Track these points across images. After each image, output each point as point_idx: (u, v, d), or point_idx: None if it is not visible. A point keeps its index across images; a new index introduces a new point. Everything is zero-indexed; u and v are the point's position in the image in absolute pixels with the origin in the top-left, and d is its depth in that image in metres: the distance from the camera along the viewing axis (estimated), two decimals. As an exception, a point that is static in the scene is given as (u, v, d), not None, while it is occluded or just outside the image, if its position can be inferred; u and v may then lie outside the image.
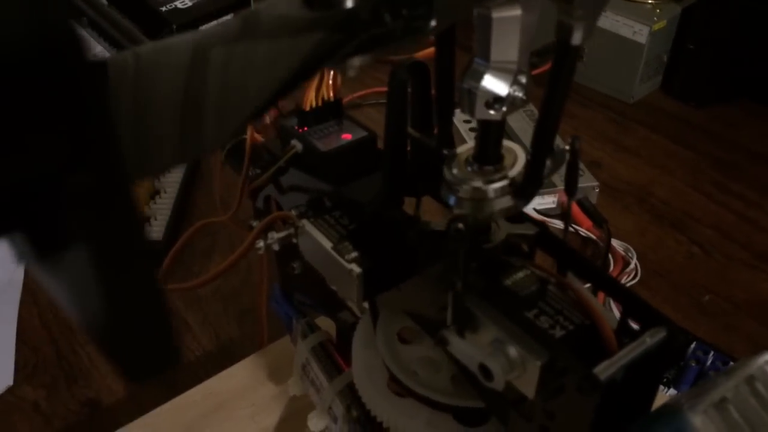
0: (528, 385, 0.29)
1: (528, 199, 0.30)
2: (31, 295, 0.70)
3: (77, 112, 0.15)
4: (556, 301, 0.31)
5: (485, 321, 0.30)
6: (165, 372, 0.19)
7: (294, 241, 0.39)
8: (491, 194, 0.30)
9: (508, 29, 0.25)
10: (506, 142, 0.31)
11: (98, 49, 0.92)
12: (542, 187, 0.30)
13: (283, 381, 0.54)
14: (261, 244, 0.40)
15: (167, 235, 0.75)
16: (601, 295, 0.34)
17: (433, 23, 0.21)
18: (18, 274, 0.72)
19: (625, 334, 0.30)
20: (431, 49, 0.31)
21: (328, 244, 0.36)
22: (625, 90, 0.97)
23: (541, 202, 0.76)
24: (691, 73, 0.97)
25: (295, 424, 0.54)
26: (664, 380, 0.59)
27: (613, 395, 0.28)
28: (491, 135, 0.30)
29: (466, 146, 0.32)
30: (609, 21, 0.93)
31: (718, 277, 0.72)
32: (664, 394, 0.58)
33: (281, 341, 0.59)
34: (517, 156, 0.30)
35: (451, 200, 0.31)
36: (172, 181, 0.82)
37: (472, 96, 0.27)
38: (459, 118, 0.80)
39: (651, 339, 0.28)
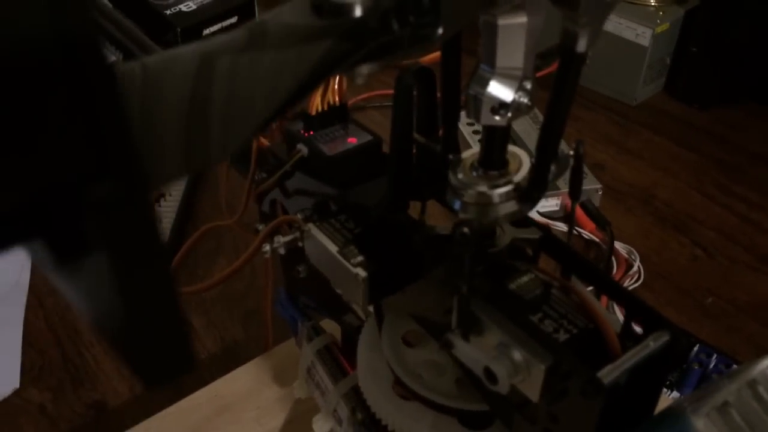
0: (532, 388, 0.29)
1: (533, 204, 0.31)
2: (37, 298, 0.70)
3: (97, 118, 0.15)
4: (560, 305, 0.31)
5: (490, 325, 0.30)
6: (179, 377, 0.20)
7: (300, 244, 0.40)
8: (496, 199, 0.30)
9: (514, 36, 0.26)
10: (511, 147, 0.31)
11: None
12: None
13: (288, 384, 0.54)
14: (267, 248, 0.40)
15: (172, 238, 0.75)
16: (604, 298, 0.34)
17: (440, 31, 0.22)
18: (24, 276, 0.72)
19: (628, 338, 0.30)
20: (437, 54, 0.31)
21: (333, 248, 0.36)
22: (628, 92, 0.98)
23: (544, 205, 0.76)
24: (695, 76, 0.97)
25: (300, 426, 0.54)
26: (667, 383, 0.60)
27: (617, 398, 0.28)
28: (496, 140, 0.30)
29: (471, 151, 0.32)
30: (612, 23, 0.94)
31: (721, 279, 0.72)
32: (667, 397, 0.58)
33: (286, 344, 0.59)
34: (522, 161, 0.31)
35: (456, 205, 0.31)
36: (177, 184, 0.82)
37: (478, 102, 0.27)
38: (463, 121, 0.80)
39: (654, 343, 0.28)
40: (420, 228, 0.36)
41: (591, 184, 0.79)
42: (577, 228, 0.74)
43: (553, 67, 0.27)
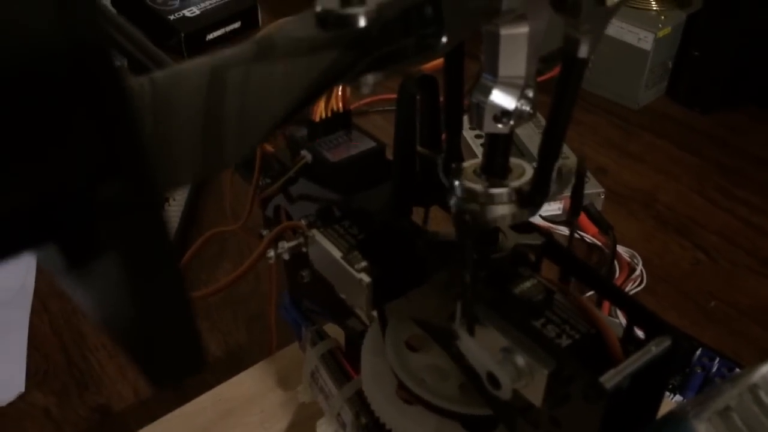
0: (535, 393, 0.30)
1: (535, 208, 0.31)
2: (41, 302, 0.71)
3: (106, 118, 0.15)
4: (562, 310, 0.32)
5: (493, 330, 0.31)
6: (189, 377, 0.20)
7: (304, 250, 0.40)
8: (494, 198, 0.30)
9: (516, 45, 0.26)
10: (515, 160, 0.31)
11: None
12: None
13: (292, 388, 0.55)
14: (272, 253, 0.40)
15: (176, 243, 0.75)
16: (606, 304, 0.34)
17: (444, 40, 0.22)
18: (29, 280, 0.72)
19: (630, 343, 0.30)
20: (440, 61, 0.32)
21: (337, 254, 0.37)
22: (630, 96, 0.98)
23: (547, 209, 0.76)
24: (696, 80, 0.97)
25: (304, 430, 0.55)
26: (670, 387, 0.60)
27: (619, 403, 0.28)
28: (499, 147, 0.30)
29: (474, 160, 0.32)
30: (614, 28, 0.94)
31: (724, 283, 0.72)
32: (670, 401, 0.59)
33: (290, 348, 0.60)
34: (525, 170, 0.31)
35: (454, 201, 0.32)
36: (181, 189, 0.82)
37: (481, 110, 0.27)
38: (466, 127, 0.81)
39: (656, 348, 0.29)
40: (423, 233, 0.36)
41: (593, 188, 0.79)
42: (579, 232, 0.75)
43: (555, 71, 0.27)
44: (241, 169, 0.49)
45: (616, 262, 0.73)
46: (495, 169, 0.31)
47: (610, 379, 0.27)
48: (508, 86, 0.27)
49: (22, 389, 0.62)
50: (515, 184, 0.30)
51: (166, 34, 1.04)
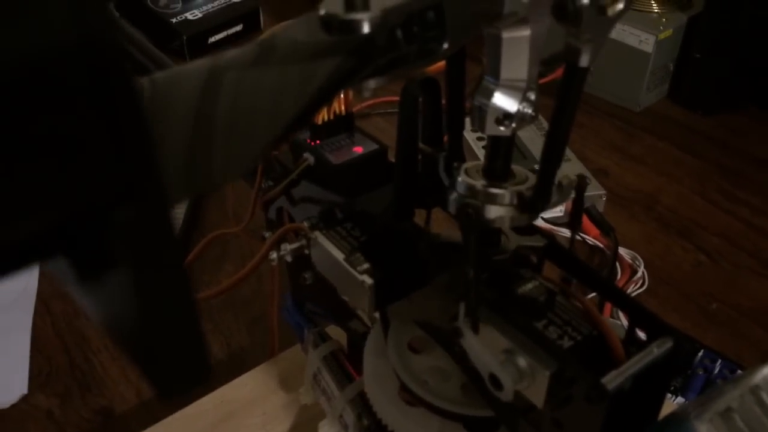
0: (537, 394, 0.30)
1: (536, 212, 0.31)
2: (44, 304, 0.71)
3: (123, 140, 0.15)
4: (564, 312, 0.32)
5: (495, 331, 0.31)
6: (195, 387, 0.20)
7: (306, 252, 0.40)
8: (497, 200, 0.31)
9: (518, 48, 0.26)
10: (519, 167, 0.32)
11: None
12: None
13: (294, 390, 0.55)
14: (274, 255, 0.41)
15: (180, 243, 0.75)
16: (608, 306, 0.34)
17: (445, 46, 0.22)
18: (32, 283, 0.72)
19: (632, 344, 0.30)
20: (442, 63, 0.32)
21: (340, 256, 0.37)
22: (631, 98, 0.98)
23: (549, 211, 0.76)
24: (698, 82, 0.97)
25: (306, 432, 0.55)
26: (672, 388, 0.60)
27: (621, 404, 0.28)
28: (501, 150, 0.31)
29: (476, 161, 0.33)
30: (615, 30, 0.94)
31: (726, 284, 0.72)
32: (672, 402, 0.59)
33: (292, 350, 0.60)
34: (527, 177, 0.31)
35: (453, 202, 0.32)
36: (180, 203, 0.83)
37: (483, 113, 0.28)
38: (468, 129, 0.81)
39: (658, 349, 0.29)
40: (425, 235, 0.36)
41: (595, 190, 0.79)
42: (581, 234, 0.75)
43: (557, 73, 0.27)
44: (243, 171, 0.49)
45: (617, 264, 0.73)
46: (496, 171, 0.31)
47: (612, 380, 0.28)
48: (509, 89, 0.27)
49: (25, 391, 0.63)
50: (516, 187, 0.31)
51: (169, 37, 1.04)
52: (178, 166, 0.21)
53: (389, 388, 0.39)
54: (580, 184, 0.31)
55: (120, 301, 0.18)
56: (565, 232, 0.73)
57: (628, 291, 0.70)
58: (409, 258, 0.36)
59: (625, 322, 0.31)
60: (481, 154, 0.78)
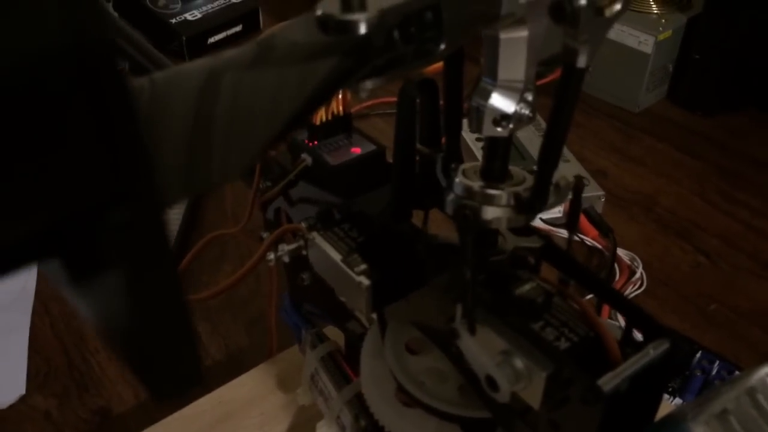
0: (533, 395, 0.30)
1: (533, 213, 0.31)
2: (42, 305, 0.71)
3: (116, 143, 0.15)
4: (561, 313, 0.32)
5: (492, 332, 0.31)
6: (188, 390, 0.20)
7: (304, 253, 0.40)
8: (494, 201, 0.31)
9: (515, 49, 0.26)
10: (517, 168, 0.32)
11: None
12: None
13: (292, 390, 0.55)
14: (271, 256, 0.41)
15: (177, 245, 0.75)
16: (606, 307, 0.34)
17: (442, 46, 0.22)
18: (30, 283, 0.72)
19: (628, 346, 0.30)
20: (439, 64, 0.32)
21: (337, 257, 0.37)
22: (630, 99, 0.98)
23: (547, 211, 0.76)
24: (697, 83, 0.97)
25: (304, 433, 0.55)
26: (670, 389, 0.60)
27: (617, 406, 0.28)
28: (498, 151, 0.31)
29: (474, 162, 0.33)
30: (614, 31, 0.94)
31: (724, 286, 0.72)
32: (670, 404, 0.59)
33: (290, 350, 0.60)
34: (525, 178, 0.31)
35: (450, 204, 0.32)
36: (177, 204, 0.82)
37: (480, 113, 0.28)
38: (466, 129, 0.81)
39: (654, 351, 0.29)
40: (423, 236, 0.36)
41: (593, 191, 0.79)
42: (579, 235, 0.75)
43: (555, 74, 0.27)
44: (241, 172, 0.49)
45: (616, 265, 0.73)
46: (494, 172, 0.31)
47: (608, 382, 0.28)
48: (507, 90, 0.27)
49: (23, 391, 0.63)
50: (514, 188, 0.31)
51: (168, 38, 1.04)
52: (177, 165, 0.21)
53: (386, 389, 0.39)
54: (578, 186, 0.31)
55: (112, 303, 0.18)
56: (563, 233, 0.73)
57: (627, 292, 0.70)
58: (406, 259, 0.36)
59: (623, 323, 0.31)
60: (479, 154, 0.78)
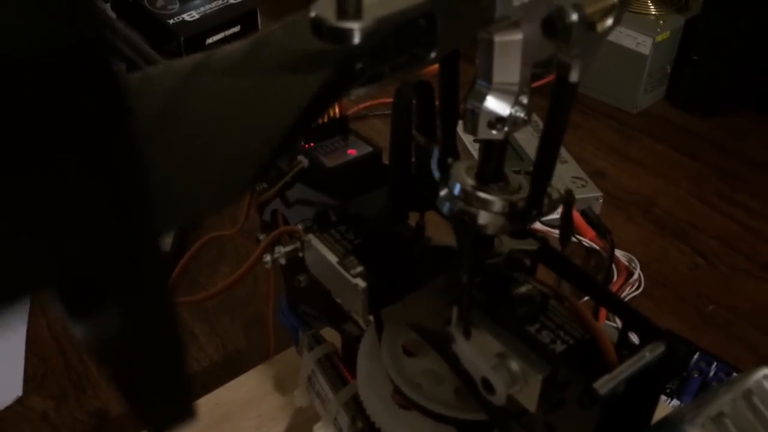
0: (529, 398, 0.30)
1: (529, 222, 0.31)
2: (40, 306, 0.71)
3: (126, 211, 0.15)
4: (557, 316, 0.32)
5: (488, 335, 0.31)
6: (181, 423, 0.20)
7: (300, 255, 0.40)
8: (490, 208, 0.30)
9: (510, 52, 0.26)
10: (515, 175, 0.32)
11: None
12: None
13: (289, 392, 0.55)
14: (268, 258, 0.40)
15: (175, 246, 0.75)
16: (603, 310, 0.34)
17: (433, 55, 0.22)
18: (27, 284, 0.72)
19: (625, 348, 0.30)
20: (435, 66, 0.32)
21: (333, 259, 0.37)
22: (629, 100, 0.98)
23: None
24: (695, 84, 0.97)
25: (301, 434, 0.55)
26: (667, 391, 0.60)
27: (614, 409, 0.28)
28: (493, 154, 0.30)
29: (470, 161, 0.32)
30: (613, 32, 0.94)
31: (722, 287, 0.72)
32: (667, 405, 0.59)
33: (287, 352, 0.60)
34: (521, 185, 0.31)
35: (446, 207, 0.32)
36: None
37: (475, 116, 0.28)
38: (469, 137, 0.81)
39: (650, 353, 0.29)
40: (419, 238, 0.36)
41: (591, 192, 0.79)
42: (577, 236, 0.75)
43: (551, 76, 0.27)
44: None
45: (614, 266, 0.73)
46: (489, 176, 0.31)
47: (605, 384, 0.28)
48: (502, 93, 0.27)
49: (20, 393, 0.62)
50: (510, 197, 0.31)
51: (166, 39, 1.04)
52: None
53: (383, 391, 0.39)
54: (568, 200, 0.31)
55: (109, 335, 0.18)
56: (562, 235, 0.73)
57: (624, 293, 0.70)
58: (402, 261, 0.36)
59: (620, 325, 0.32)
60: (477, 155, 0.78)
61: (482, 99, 0.27)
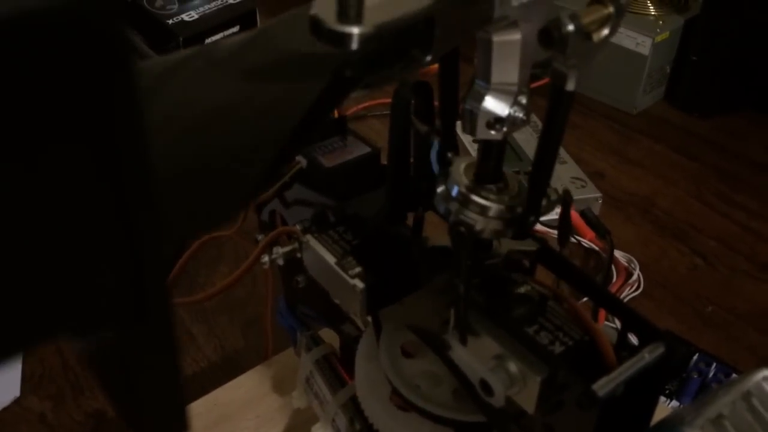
0: (528, 400, 0.30)
1: (527, 227, 0.31)
2: (38, 306, 0.70)
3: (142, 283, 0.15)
4: (556, 317, 0.32)
5: (486, 336, 0.31)
6: None
7: (298, 255, 0.40)
8: (489, 214, 0.30)
9: (509, 52, 0.26)
10: (513, 175, 0.32)
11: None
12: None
13: (288, 393, 0.55)
14: (266, 258, 0.40)
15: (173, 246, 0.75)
16: (602, 311, 0.34)
17: (428, 58, 0.22)
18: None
19: (624, 349, 0.30)
20: (434, 66, 0.32)
21: (331, 260, 0.37)
22: (628, 101, 0.98)
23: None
24: (695, 84, 0.97)
25: (299, 435, 0.55)
26: (667, 392, 0.60)
27: (613, 410, 0.28)
28: (492, 154, 0.30)
29: (469, 160, 0.32)
30: (612, 33, 0.94)
31: (721, 288, 0.72)
32: (666, 406, 0.58)
33: (286, 353, 0.59)
34: (519, 189, 0.31)
35: (442, 209, 0.32)
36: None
37: (474, 116, 0.27)
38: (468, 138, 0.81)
39: (650, 355, 0.29)
40: (417, 239, 0.36)
41: (590, 193, 0.79)
42: (576, 236, 0.75)
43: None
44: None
45: (613, 267, 0.73)
46: (488, 177, 0.31)
47: (603, 386, 0.27)
48: (501, 93, 0.27)
49: (18, 394, 0.62)
50: (508, 202, 0.31)
51: (165, 39, 1.04)
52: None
53: (381, 392, 0.39)
54: (566, 200, 0.31)
55: (103, 350, 0.17)
56: (561, 235, 0.73)
57: (624, 294, 0.70)
58: (401, 262, 0.35)
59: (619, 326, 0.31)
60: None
61: (481, 99, 0.27)
